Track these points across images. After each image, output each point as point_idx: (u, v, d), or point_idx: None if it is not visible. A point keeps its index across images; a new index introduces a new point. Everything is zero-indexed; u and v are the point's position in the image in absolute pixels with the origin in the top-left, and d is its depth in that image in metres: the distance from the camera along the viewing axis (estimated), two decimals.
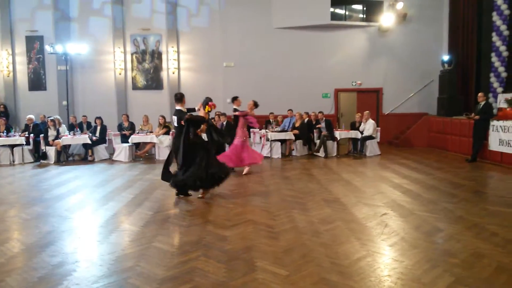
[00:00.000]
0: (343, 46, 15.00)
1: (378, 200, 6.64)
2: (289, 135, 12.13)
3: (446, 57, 13.91)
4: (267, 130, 12.40)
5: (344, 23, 14.84)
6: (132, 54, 14.99)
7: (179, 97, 6.89)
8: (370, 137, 12.05)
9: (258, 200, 6.74)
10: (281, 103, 14.07)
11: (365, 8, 15.11)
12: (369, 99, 15.23)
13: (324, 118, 12.40)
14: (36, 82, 14.99)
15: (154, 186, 8.08)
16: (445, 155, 12.18)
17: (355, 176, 8.92)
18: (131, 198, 7.06)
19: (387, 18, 14.54)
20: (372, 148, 12.14)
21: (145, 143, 12.14)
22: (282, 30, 14.79)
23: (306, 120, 12.64)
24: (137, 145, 12.24)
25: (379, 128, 12.64)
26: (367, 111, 12.46)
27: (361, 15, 15.21)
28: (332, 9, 14.48)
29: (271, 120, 13.35)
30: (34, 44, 14.85)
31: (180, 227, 5.37)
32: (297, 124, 12.50)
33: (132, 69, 15.06)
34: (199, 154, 6.66)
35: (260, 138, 12.34)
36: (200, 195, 6.94)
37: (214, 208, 6.29)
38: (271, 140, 11.96)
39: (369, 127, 12.08)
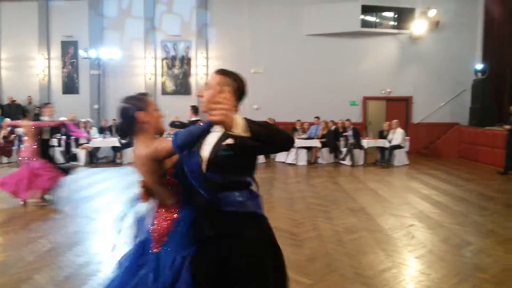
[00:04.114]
0: (373, 54, 14.82)
1: (405, 211, 6.49)
2: (315, 143, 12.04)
3: (479, 66, 13.52)
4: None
5: (375, 31, 14.67)
6: (162, 60, 15.28)
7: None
8: (398, 146, 11.82)
9: (283, 207, 6.71)
10: (309, 110, 13.99)
11: (396, 16, 14.90)
12: (399, 107, 14.96)
13: (351, 126, 12.25)
14: (70, 86, 15.46)
15: None
16: (476, 166, 11.81)
17: (382, 185, 8.75)
18: None
19: (418, 26, 14.29)
20: (400, 157, 11.90)
21: None
22: (312, 37, 14.74)
23: (333, 128, 12.51)
24: None
25: (408, 138, 12.38)
26: (396, 120, 12.24)
27: (392, 23, 14.98)
28: (362, 16, 14.34)
29: (297, 127, 13.32)
30: (69, 49, 15.35)
31: None
32: (323, 132, 12.40)
33: (162, 75, 15.34)
34: None
35: None
36: None
37: None
38: (297, 147, 11.90)
39: (397, 136, 11.85)
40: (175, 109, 14.99)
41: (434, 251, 4.63)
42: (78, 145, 11.95)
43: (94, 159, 12.10)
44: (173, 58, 15.29)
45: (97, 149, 12.26)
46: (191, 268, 2.08)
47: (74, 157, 11.95)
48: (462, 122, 14.43)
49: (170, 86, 15.38)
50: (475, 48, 14.63)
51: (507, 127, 10.27)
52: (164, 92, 15.31)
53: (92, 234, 5.23)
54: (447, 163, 12.37)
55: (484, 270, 4.09)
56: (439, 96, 14.74)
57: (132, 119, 2.26)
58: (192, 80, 15.30)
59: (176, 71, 15.33)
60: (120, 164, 11.88)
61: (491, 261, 4.34)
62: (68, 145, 12.24)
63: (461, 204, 7.04)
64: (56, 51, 15.43)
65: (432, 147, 14.09)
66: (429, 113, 14.81)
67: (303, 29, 14.77)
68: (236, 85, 2.12)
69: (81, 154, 11.90)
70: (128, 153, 12.27)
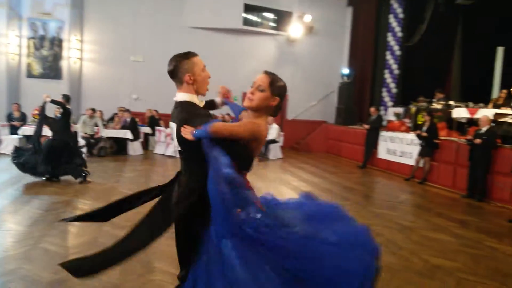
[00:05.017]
0: (253, 52, 15.36)
1: None
2: None
3: (345, 71, 14.95)
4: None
5: (256, 30, 15.18)
6: (28, 39, 13.75)
7: None
8: (273, 141, 12.49)
9: None
10: None
11: (276, 17, 15.62)
12: None
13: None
14: None
15: (46, 182, 7.51)
16: (340, 160, 13.08)
17: (257, 177, 9.16)
18: (18, 195, 6.49)
19: (295, 29, 15.21)
20: (275, 151, 12.59)
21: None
22: (194, 29, 14.68)
23: None
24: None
25: (282, 133, 13.14)
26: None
27: (272, 24, 15.66)
28: (245, 15, 14.74)
29: None
30: None
31: (73, 227, 5.06)
32: None
33: (28, 55, 13.82)
34: None
35: (166, 136, 12.13)
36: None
37: None
38: None
39: (273, 131, 12.50)
40: (43, 94, 13.65)
41: None
42: None
43: None
44: (42, 38, 13.88)
45: None
46: None
47: None
48: (329, 120, 15.83)
49: (37, 68, 13.94)
50: (342, 54, 16.15)
51: (366, 126, 11.60)
52: (30, 75, 13.81)
53: None
54: (316, 157, 13.46)
55: None
56: (311, 96, 15.95)
57: None
58: (64, 63, 14.09)
59: (45, 52, 13.94)
60: None
61: None
62: None
63: (326, 194, 7.74)
64: None
65: (303, 143, 15.20)
66: (302, 111, 15.93)
67: (186, 21, 14.63)
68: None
69: None
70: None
